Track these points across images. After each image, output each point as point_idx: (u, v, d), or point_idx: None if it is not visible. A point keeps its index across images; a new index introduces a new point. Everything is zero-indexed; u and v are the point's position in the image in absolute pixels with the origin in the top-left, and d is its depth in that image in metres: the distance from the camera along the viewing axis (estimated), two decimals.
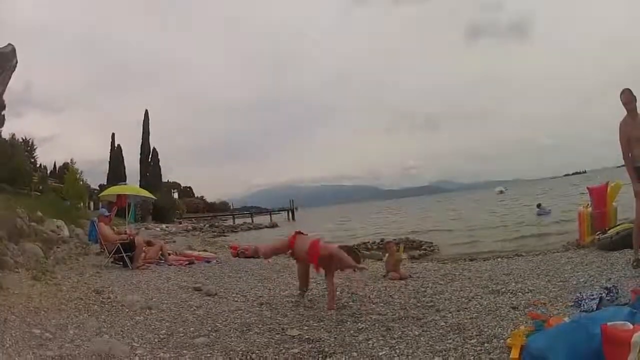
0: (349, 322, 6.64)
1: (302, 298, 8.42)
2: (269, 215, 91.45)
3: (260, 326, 6.58)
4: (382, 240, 24.24)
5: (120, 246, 12.91)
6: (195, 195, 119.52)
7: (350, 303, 7.97)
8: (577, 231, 13.94)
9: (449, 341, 5.31)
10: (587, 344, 3.37)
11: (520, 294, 7.55)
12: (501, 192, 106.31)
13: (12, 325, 5.56)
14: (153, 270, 12.54)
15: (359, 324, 6.51)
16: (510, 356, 4.27)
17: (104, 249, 13.56)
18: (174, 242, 27.73)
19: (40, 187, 49.42)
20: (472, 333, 5.47)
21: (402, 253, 11.72)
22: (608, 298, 5.94)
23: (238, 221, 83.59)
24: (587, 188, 14.14)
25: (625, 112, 8.38)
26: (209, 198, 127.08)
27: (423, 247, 21.23)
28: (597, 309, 5.51)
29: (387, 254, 11.40)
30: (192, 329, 6.48)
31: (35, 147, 73.11)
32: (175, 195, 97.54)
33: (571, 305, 6.17)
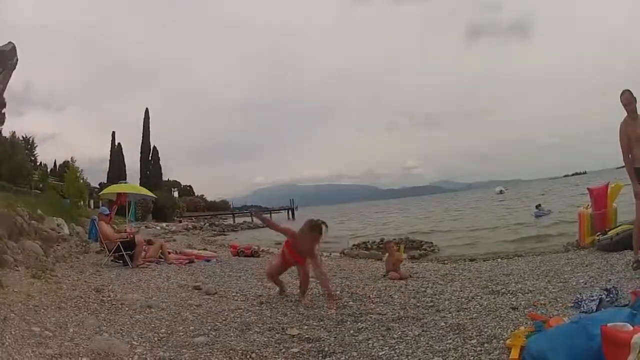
0: (348, 322, 6.63)
1: (302, 297, 8.41)
2: (269, 215, 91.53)
3: (260, 325, 6.57)
4: (382, 240, 24.26)
5: (120, 245, 12.93)
6: (196, 194, 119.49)
7: (350, 303, 7.97)
8: (577, 232, 13.94)
9: (449, 341, 5.29)
10: (587, 345, 3.37)
11: (520, 294, 7.54)
12: (501, 192, 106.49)
13: (11, 324, 5.55)
14: (153, 269, 12.56)
15: (359, 323, 6.52)
16: (510, 357, 4.26)
17: (104, 247, 13.58)
18: (174, 240, 27.78)
19: (41, 185, 49.43)
20: (472, 333, 5.46)
21: (402, 253, 11.74)
22: (608, 299, 5.95)
23: (238, 220, 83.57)
24: (587, 189, 14.16)
25: (625, 113, 8.39)
26: (209, 197, 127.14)
27: (423, 247, 21.26)
28: (596, 310, 5.51)
29: (387, 254, 11.42)
30: (192, 327, 6.47)
31: (35, 145, 73.21)
32: (176, 194, 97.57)
33: (571, 306, 6.17)
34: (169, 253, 14.88)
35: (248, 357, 5.18)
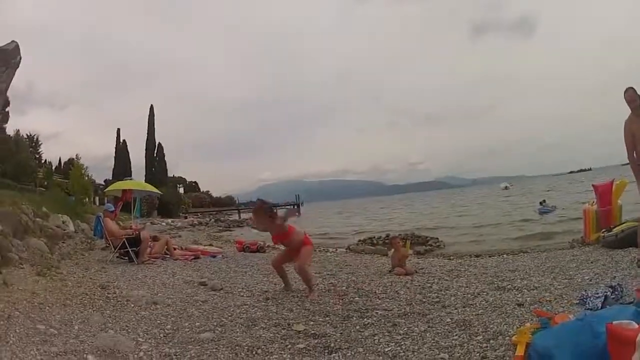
0: (354, 318, 6.64)
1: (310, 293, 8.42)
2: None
3: (266, 321, 6.58)
4: (387, 235, 24.20)
5: (125, 241, 12.93)
6: (201, 190, 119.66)
7: (356, 298, 7.98)
8: (582, 228, 13.93)
9: (455, 337, 5.30)
10: (593, 342, 3.38)
11: (525, 290, 7.55)
12: (506, 188, 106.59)
13: (16, 322, 5.53)
14: (159, 265, 12.59)
15: (365, 319, 6.52)
16: (516, 353, 4.26)
17: (109, 244, 13.58)
18: (180, 236, 27.86)
19: (46, 183, 49.55)
20: (478, 330, 5.47)
21: (408, 249, 11.71)
22: (613, 297, 5.93)
23: (244, 216, 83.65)
24: (593, 185, 14.18)
25: (629, 111, 8.35)
26: (215, 193, 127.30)
27: (429, 243, 21.22)
28: (601, 308, 5.50)
29: (392, 250, 11.39)
30: (197, 324, 6.47)
31: (40, 143, 73.46)
32: (181, 190, 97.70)
33: (576, 303, 6.16)
34: (175, 249, 14.90)
35: (254, 353, 5.19)
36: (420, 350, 5.00)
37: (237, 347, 5.32)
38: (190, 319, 6.75)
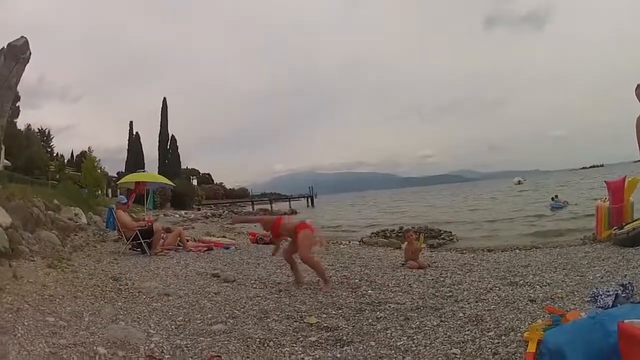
0: (367, 311, 6.65)
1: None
2: (288, 202, 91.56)
3: (278, 313, 6.60)
4: (401, 228, 24.19)
5: (138, 233, 12.94)
6: (215, 182, 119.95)
7: (369, 291, 7.99)
8: (595, 225, 13.84)
9: (467, 333, 5.30)
10: (604, 340, 3.35)
11: (538, 286, 7.53)
12: (519, 182, 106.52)
13: (25, 314, 5.57)
14: (171, 257, 12.61)
15: (378, 312, 6.53)
16: (527, 350, 4.23)
17: (121, 235, 13.61)
18: (193, 228, 27.87)
19: (58, 176, 49.74)
20: (490, 325, 5.46)
21: (421, 242, 11.64)
22: (624, 295, 5.87)
23: (257, 207, 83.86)
24: (605, 182, 14.10)
25: None
26: (229, 185, 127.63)
27: (442, 237, 21.27)
28: (612, 306, 5.45)
29: (405, 243, 11.35)
30: (209, 315, 6.51)
31: (52, 136, 73.87)
32: (194, 182, 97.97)
33: (588, 301, 6.13)
34: (188, 241, 14.88)
35: (266, 345, 5.21)
36: (433, 345, 5.00)
37: (248, 339, 5.35)
38: (202, 310, 6.79)
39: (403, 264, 10.78)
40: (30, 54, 7.99)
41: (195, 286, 8.55)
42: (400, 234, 20.92)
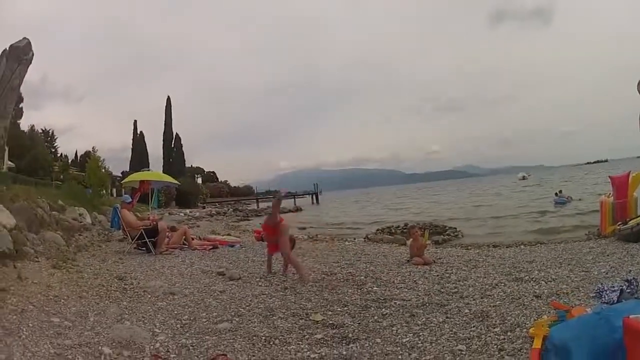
0: (373, 308, 6.65)
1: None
2: (293, 199, 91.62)
3: (284, 311, 6.60)
4: (406, 224, 24.21)
5: (143, 232, 12.95)
6: (219, 180, 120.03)
7: (375, 288, 7.99)
8: (599, 221, 13.85)
9: (473, 329, 5.31)
10: (610, 336, 3.34)
11: (543, 282, 7.55)
12: (524, 178, 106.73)
13: (29, 315, 5.57)
14: (176, 256, 12.65)
15: (383, 309, 6.54)
16: (533, 346, 4.25)
17: (126, 235, 13.61)
18: (198, 226, 27.98)
19: (62, 177, 49.85)
20: (496, 321, 5.48)
21: (426, 239, 11.63)
22: (629, 290, 5.87)
23: (262, 205, 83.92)
24: (609, 177, 14.14)
25: None
26: (233, 182, 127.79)
27: (447, 233, 21.27)
28: (617, 301, 5.44)
29: (410, 239, 11.35)
30: (215, 314, 6.51)
31: (55, 137, 74.07)
32: (199, 181, 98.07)
33: (592, 296, 6.12)
34: (193, 239, 14.89)
35: (271, 343, 5.22)
36: (438, 341, 5.00)
37: (254, 338, 5.35)
38: (208, 309, 6.79)
39: (408, 261, 10.77)
40: (32, 55, 8.01)
41: (200, 285, 8.55)
42: (405, 231, 20.91)
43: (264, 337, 5.33)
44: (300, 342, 5.19)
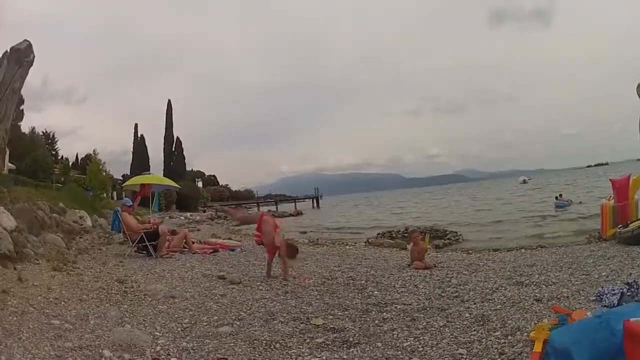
0: (373, 312, 6.67)
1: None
2: (294, 203, 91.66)
3: (284, 315, 6.61)
4: (406, 229, 24.18)
5: (144, 235, 12.94)
6: (220, 184, 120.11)
7: (375, 292, 8.02)
8: (600, 224, 13.85)
9: (473, 333, 5.32)
10: (610, 340, 3.35)
11: (543, 286, 7.56)
12: (524, 181, 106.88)
13: (30, 317, 5.59)
14: (177, 259, 12.64)
15: (384, 313, 6.56)
16: (534, 349, 4.25)
17: (127, 238, 13.59)
18: (199, 230, 27.95)
19: (62, 179, 49.89)
20: (496, 325, 5.48)
21: (427, 243, 11.63)
22: (629, 293, 5.91)
23: (263, 209, 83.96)
24: (610, 180, 14.10)
25: None
26: (234, 186, 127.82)
27: (447, 237, 21.22)
28: (618, 304, 5.49)
29: (411, 243, 11.36)
30: (215, 317, 6.51)
31: (56, 139, 74.19)
32: (200, 184, 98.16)
33: (593, 300, 6.17)
34: (193, 243, 14.89)
35: (272, 347, 5.22)
36: (439, 345, 5.01)
37: (255, 341, 5.35)
38: (209, 312, 6.80)
39: (409, 265, 10.77)
40: (33, 57, 8.03)
41: (201, 288, 8.55)
42: (406, 235, 20.90)
43: (264, 341, 5.32)
44: (301, 346, 5.20)
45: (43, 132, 71.25)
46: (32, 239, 10.52)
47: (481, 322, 5.64)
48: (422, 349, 4.93)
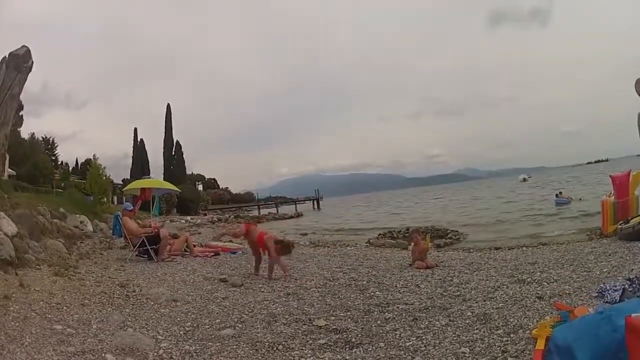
0: (375, 312, 6.66)
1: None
2: (294, 205, 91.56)
3: (286, 317, 6.61)
4: (407, 229, 24.18)
5: (145, 239, 12.94)
6: (220, 187, 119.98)
7: (377, 292, 8.01)
8: (601, 220, 13.87)
9: (476, 331, 5.31)
10: (612, 336, 3.34)
11: (545, 283, 7.55)
12: (525, 179, 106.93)
13: (32, 323, 5.60)
14: (178, 263, 12.64)
15: (386, 313, 6.55)
16: (536, 347, 4.26)
17: (128, 242, 13.59)
18: (200, 233, 27.91)
19: (62, 184, 49.87)
20: (498, 323, 5.47)
21: (428, 242, 11.63)
22: (631, 289, 5.89)
23: (263, 211, 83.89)
24: (610, 176, 14.14)
25: None
26: (234, 189, 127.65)
27: (448, 236, 21.22)
28: (620, 300, 5.47)
29: (412, 243, 11.36)
30: (217, 320, 6.52)
31: (56, 145, 74.15)
32: (200, 187, 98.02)
33: (595, 296, 6.17)
34: (194, 246, 14.89)
35: (274, 349, 5.22)
36: (442, 344, 5.00)
37: (257, 344, 5.35)
38: (211, 315, 6.81)
39: (410, 265, 10.77)
40: (32, 62, 8.02)
41: (203, 291, 8.56)
42: (407, 235, 20.90)
43: (267, 343, 5.32)
44: (303, 348, 5.19)
45: (43, 137, 71.25)
46: (33, 244, 10.51)
47: (483, 321, 5.63)
48: (424, 348, 4.92)
